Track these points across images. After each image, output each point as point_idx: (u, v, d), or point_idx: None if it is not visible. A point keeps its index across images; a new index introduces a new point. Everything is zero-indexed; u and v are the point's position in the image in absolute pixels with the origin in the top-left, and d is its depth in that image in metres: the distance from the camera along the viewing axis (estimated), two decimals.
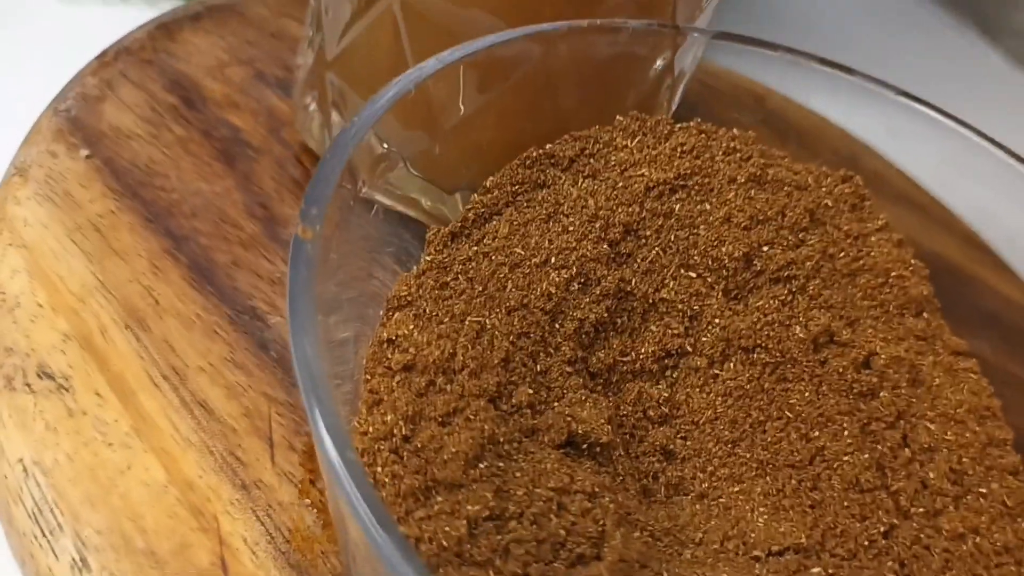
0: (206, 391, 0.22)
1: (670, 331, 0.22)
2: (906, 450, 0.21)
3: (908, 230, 0.34)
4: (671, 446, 0.21)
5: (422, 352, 0.18)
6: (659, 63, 0.24)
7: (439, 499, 0.16)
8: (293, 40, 0.32)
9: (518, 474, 0.17)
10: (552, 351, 0.20)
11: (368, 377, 0.18)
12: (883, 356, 0.21)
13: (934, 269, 0.33)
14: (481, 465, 0.17)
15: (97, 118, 0.27)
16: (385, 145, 0.19)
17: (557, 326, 0.20)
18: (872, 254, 0.23)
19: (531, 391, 0.19)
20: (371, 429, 0.17)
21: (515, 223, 0.21)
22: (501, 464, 0.17)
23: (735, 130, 0.23)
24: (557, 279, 0.20)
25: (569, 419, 0.19)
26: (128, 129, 0.27)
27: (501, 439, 0.18)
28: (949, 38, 0.53)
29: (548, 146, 0.22)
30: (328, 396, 0.14)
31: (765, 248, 0.22)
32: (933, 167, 0.28)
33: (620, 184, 0.22)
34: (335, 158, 0.16)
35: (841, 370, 0.21)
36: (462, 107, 0.20)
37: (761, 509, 0.20)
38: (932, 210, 0.37)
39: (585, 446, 0.19)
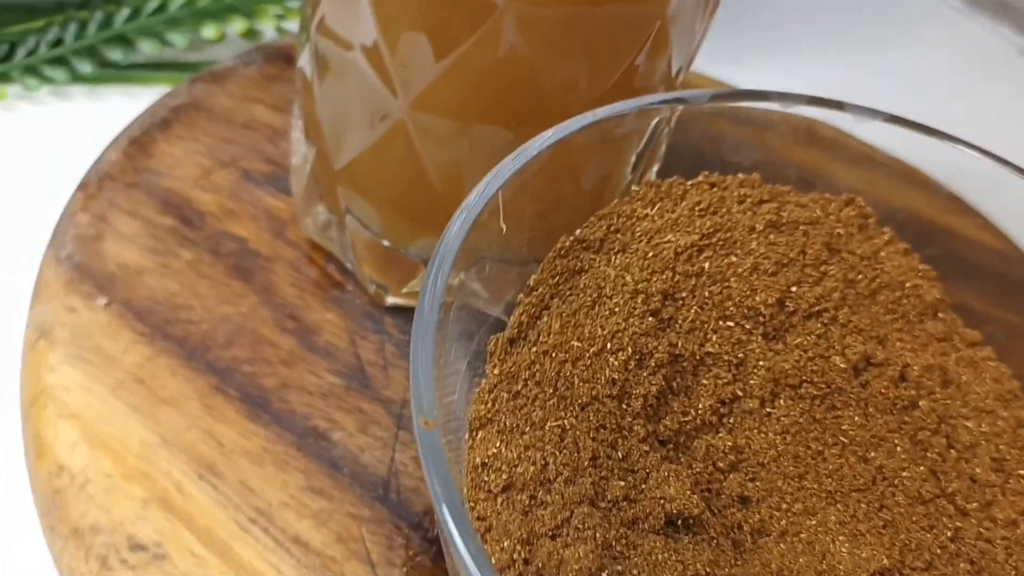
0: (295, 526, 0.23)
1: (720, 381, 0.23)
2: (952, 452, 0.23)
3: (875, 191, 0.36)
4: (745, 492, 0.22)
5: (516, 469, 0.19)
6: (657, 120, 0.25)
7: None
8: (267, 128, 0.32)
9: (636, 572, 0.19)
10: (627, 434, 0.21)
11: (472, 504, 0.19)
12: (916, 367, 0.23)
13: (907, 225, 0.35)
14: (603, 575, 0.18)
15: (102, 259, 0.27)
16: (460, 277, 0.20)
17: (625, 407, 0.21)
18: (886, 269, 0.25)
19: (622, 483, 0.20)
20: (493, 559, 0.18)
21: (565, 315, 0.22)
22: (619, 568, 0.19)
23: (740, 175, 0.25)
24: (616, 363, 0.22)
25: (662, 502, 0.20)
26: (136, 264, 0.27)
27: (612, 542, 0.19)
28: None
29: (578, 232, 0.23)
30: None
31: (794, 289, 0.23)
32: None
33: (650, 254, 0.23)
34: (424, 335, 0.17)
35: (883, 390, 0.23)
36: (503, 225, 0.21)
37: (841, 538, 0.22)
38: (895, 168, 0.39)
39: (679, 522, 0.20)
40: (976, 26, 0.56)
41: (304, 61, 0.25)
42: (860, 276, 0.24)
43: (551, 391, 0.21)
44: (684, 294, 0.23)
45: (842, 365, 0.23)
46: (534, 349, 0.22)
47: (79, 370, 0.25)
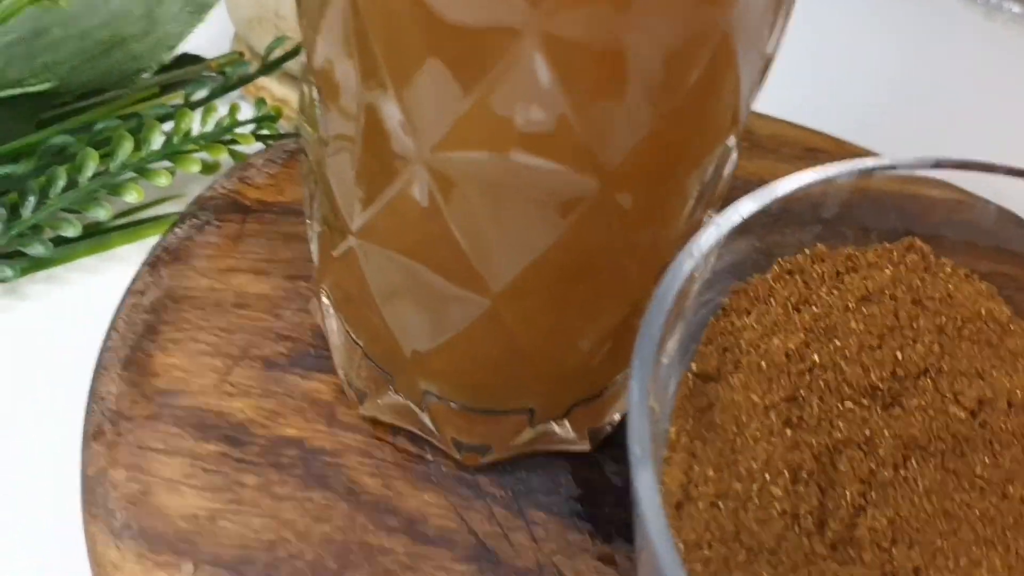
0: None
1: (855, 463, 0.23)
2: None
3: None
4: (914, 563, 0.23)
5: None
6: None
7: None
8: (261, 300, 0.30)
9: None
10: (812, 556, 0.21)
11: None
12: (1018, 391, 0.24)
13: (874, 194, 0.36)
14: None
15: (163, 518, 0.25)
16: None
17: (801, 532, 0.22)
18: (960, 302, 0.25)
19: None
20: None
21: (713, 458, 0.22)
22: None
23: (806, 251, 0.25)
24: (780, 493, 0.22)
25: None
26: (204, 510, 0.25)
27: None
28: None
29: (694, 367, 0.22)
30: None
31: (899, 355, 0.24)
32: None
33: (763, 364, 0.23)
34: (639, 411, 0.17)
35: (1000, 424, 0.24)
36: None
37: None
38: (844, 149, 0.40)
39: None
40: None
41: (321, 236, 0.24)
42: (945, 319, 0.25)
43: (737, 546, 0.21)
44: (803, 391, 0.23)
45: (961, 415, 0.24)
46: (701, 506, 0.21)
47: None
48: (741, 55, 0.20)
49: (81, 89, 0.32)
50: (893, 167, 0.25)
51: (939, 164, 0.25)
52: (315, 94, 0.21)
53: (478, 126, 0.18)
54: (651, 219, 0.22)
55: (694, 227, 0.23)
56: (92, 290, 0.34)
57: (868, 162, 0.25)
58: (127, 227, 0.35)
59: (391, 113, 0.19)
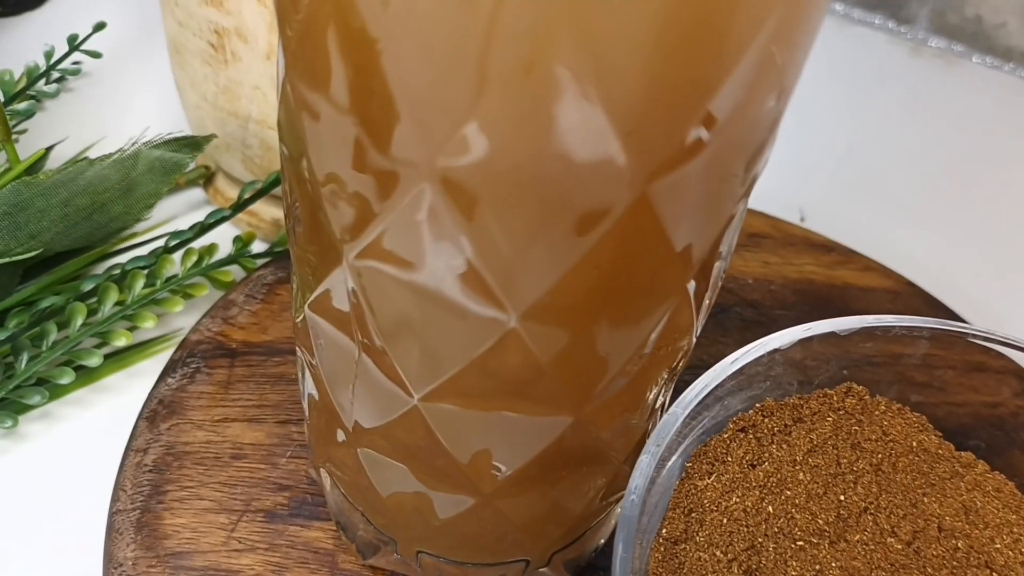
0: None
1: None
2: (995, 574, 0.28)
3: (772, 263, 0.40)
4: None
5: None
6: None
7: None
8: (257, 449, 0.32)
9: None
10: None
11: None
12: (946, 516, 0.28)
13: (803, 291, 0.40)
14: None
15: None
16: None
17: None
18: (893, 438, 0.29)
19: None
20: None
21: None
22: None
23: (757, 405, 0.28)
24: None
25: None
26: None
27: None
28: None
29: (664, 532, 0.26)
30: None
31: (842, 498, 0.27)
32: None
33: (724, 520, 0.26)
34: None
35: (932, 550, 0.28)
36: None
37: None
38: (785, 230, 0.43)
39: None
40: (865, 28, 0.59)
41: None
42: (881, 457, 0.28)
43: None
44: (760, 539, 0.26)
45: (898, 545, 0.27)
46: None
47: None
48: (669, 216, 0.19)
49: (65, 250, 0.33)
50: (833, 334, 0.28)
51: (870, 331, 0.28)
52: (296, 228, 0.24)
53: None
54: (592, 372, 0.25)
55: (665, 362, 0.25)
56: (85, 425, 0.36)
57: (810, 329, 0.28)
58: (112, 355, 0.37)
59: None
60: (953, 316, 0.39)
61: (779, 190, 0.44)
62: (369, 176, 0.18)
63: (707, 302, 0.24)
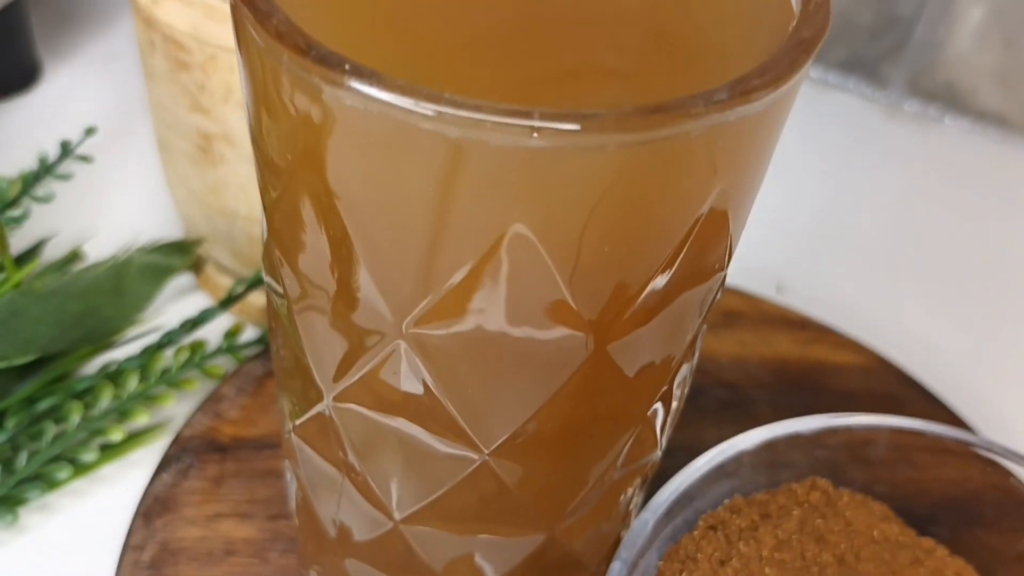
0: None
1: None
2: None
3: (747, 342, 0.42)
4: None
5: None
6: None
7: None
8: (249, 545, 0.33)
9: None
10: None
11: None
12: None
13: (778, 370, 0.41)
14: None
15: None
16: None
17: None
18: (857, 529, 0.31)
19: None
20: None
21: None
22: None
23: (725, 501, 0.30)
24: None
25: None
26: None
27: None
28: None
29: None
30: None
31: None
32: None
33: None
34: None
35: None
36: None
37: None
38: (760, 307, 0.45)
39: None
40: (840, 93, 0.61)
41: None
42: (844, 548, 0.30)
43: None
44: None
45: None
46: None
47: None
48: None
49: (59, 352, 0.35)
50: (797, 434, 0.30)
51: (833, 430, 0.30)
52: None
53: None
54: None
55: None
56: (82, 516, 0.37)
57: (775, 429, 0.29)
58: (107, 447, 0.39)
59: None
60: (926, 394, 0.40)
61: (754, 261, 0.46)
62: (344, 335, 0.20)
63: (674, 408, 0.26)
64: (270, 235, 0.21)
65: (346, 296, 0.19)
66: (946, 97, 0.60)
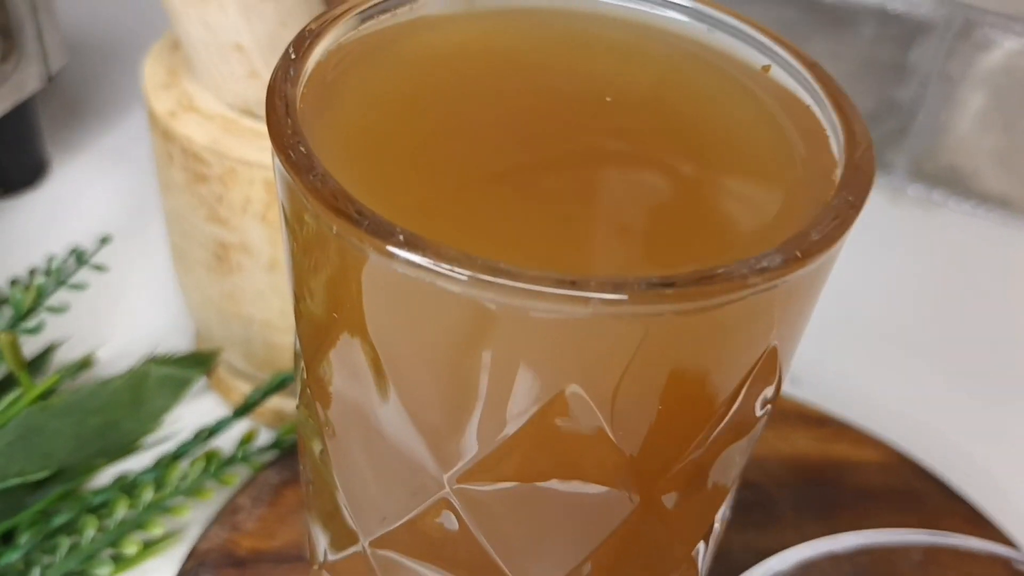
0: None
1: None
2: None
3: (766, 439, 0.41)
4: None
5: None
6: None
7: None
8: None
9: None
10: None
11: None
12: None
13: (797, 468, 0.41)
14: None
15: None
16: None
17: None
18: None
19: None
20: None
21: None
22: None
23: None
24: None
25: None
26: None
27: None
28: None
29: None
30: None
31: None
32: None
33: None
34: None
35: None
36: None
37: None
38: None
39: None
40: None
41: None
42: None
43: None
44: None
45: None
46: None
47: None
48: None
49: (77, 465, 0.35)
50: (832, 553, 0.29)
51: (868, 548, 0.29)
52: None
53: None
54: None
55: None
56: None
57: (811, 548, 0.29)
58: (121, 559, 0.38)
59: None
60: (944, 488, 0.40)
61: None
62: (386, 486, 0.20)
63: (715, 537, 0.26)
64: (309, 381, 0.21)
65: (390, 450, 0.19)
66: (949, 181, 0.60)
